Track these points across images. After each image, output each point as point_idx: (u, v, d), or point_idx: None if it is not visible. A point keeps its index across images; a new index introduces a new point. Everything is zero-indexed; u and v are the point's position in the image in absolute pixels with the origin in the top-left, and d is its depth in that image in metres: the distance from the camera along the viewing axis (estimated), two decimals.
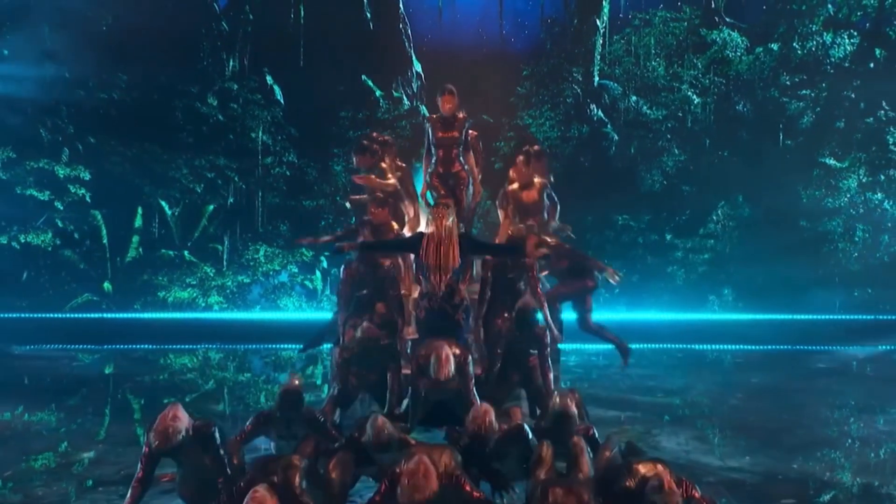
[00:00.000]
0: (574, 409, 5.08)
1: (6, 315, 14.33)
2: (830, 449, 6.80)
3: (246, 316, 15.81)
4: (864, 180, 16.22)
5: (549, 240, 7.28)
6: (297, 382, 5.19)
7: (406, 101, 17.19)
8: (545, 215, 7.50)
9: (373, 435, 4.72)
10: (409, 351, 6.27)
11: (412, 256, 6.37)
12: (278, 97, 16.78)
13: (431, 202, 7.09)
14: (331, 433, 5.26)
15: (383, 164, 7.41)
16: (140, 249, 15.86)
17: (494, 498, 4.70)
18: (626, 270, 14.47)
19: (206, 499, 4.46)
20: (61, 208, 15.27)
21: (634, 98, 17.14)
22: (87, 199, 15.41)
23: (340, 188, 15.90)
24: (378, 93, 17.02)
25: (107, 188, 15.40)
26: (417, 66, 17.37)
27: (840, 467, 6.29)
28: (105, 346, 13.17)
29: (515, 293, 6.38)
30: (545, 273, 7.15)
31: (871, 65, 16.46)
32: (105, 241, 15.67)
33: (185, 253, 16.07)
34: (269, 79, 16.80)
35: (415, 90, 17.31)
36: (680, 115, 16.98)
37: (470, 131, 7.50)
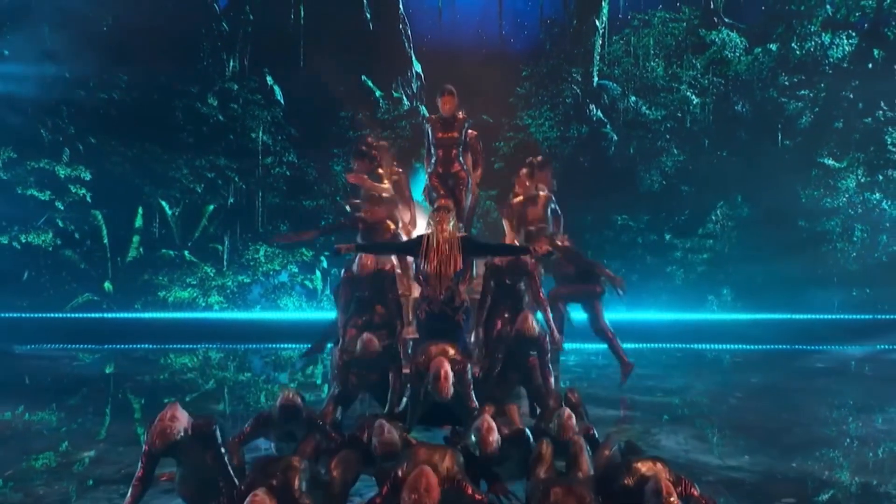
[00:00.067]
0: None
1: (7, 315, 14.34)
2: (829, 448, 6.81)
3: (246, 316, 15.84)
4: (862, 180, 16.25)
5: (559, 243, 7.34)
6: (291, 396, 5.21)
7: (406, 102, 17.22)
8: (550, 228, 7.59)
9: (378, 444, 4.75)
10: (409, 351, 6.29)
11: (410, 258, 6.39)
12: (278, 97, 16.79)
13: (432, 203, 7.11)
14: (331, 434, 5.28)
15: (380, 170, 7.59)
16: (140, 249, 15.88)
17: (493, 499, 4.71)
18: (626, 270, 14.55)
19: (205, 498, 4.46)
20: (62, 208, 15.29)
21: (633, 98, 17.16)
22: (88, 199, 15.43)
23: (340, 188, 15.90)
24: (378, 93, 17.04)
25: (107, 188, 15.42)
26: (417, 67, 17.39)
27: (839, 466, 6.30)
28: (105, 346, 13.16)
29: (515, 296, 6.40)
30: (548, 273, 7.20)
31: (870, 65, 16.48)
32: (105, 241, 15.69)
33: (186, 253, 16.09)
34: (269, 79, 16.81)
35: (414, 90, 17.33)
36: (679, 115, 17.00)
37: (469, 131, 7.53)
